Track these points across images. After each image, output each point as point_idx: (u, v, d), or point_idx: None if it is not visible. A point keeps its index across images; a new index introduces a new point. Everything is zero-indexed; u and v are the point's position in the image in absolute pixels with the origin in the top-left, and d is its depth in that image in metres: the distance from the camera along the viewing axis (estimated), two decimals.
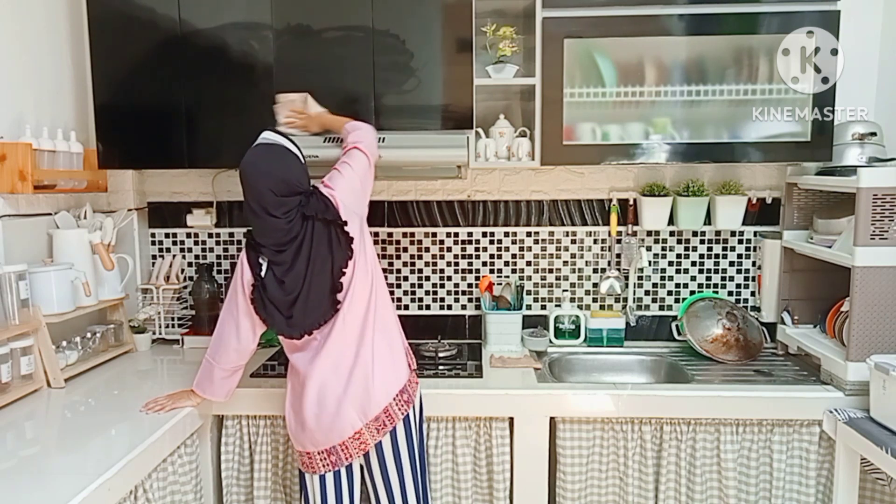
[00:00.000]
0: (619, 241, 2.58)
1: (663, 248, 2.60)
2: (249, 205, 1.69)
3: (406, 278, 2.66)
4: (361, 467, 1.81)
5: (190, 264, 2.68)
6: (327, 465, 1.74)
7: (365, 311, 1.75)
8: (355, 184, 1.83)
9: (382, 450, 1.75)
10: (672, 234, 2.59)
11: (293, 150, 1.76)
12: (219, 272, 2.67)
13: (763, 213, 2.53)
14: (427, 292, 2.67)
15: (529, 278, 2.64)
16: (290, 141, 1.79)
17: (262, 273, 1.71)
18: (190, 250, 2.69)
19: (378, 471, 1.77)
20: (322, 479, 1.76)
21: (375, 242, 2.61)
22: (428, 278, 2.66)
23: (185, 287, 2.63)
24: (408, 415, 1.77)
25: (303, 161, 1.77)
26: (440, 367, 2.27)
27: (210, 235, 2.68)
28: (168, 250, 2.69)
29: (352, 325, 1.74)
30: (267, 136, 1.77)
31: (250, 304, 1.72)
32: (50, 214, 2.20)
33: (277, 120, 2.06)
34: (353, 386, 1.71)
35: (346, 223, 1.73)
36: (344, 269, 1.72)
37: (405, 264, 2.65)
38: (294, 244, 1.70)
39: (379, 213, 2.62)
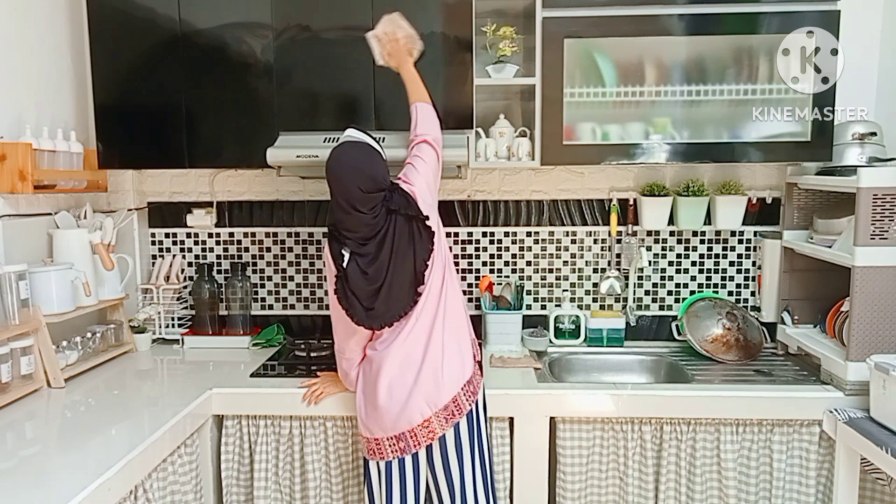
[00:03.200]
0: (619, 241, 2.58)
1: (663, 248, 2.60)
2: (337, 201, 1.73)
3: None
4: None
5: (190, 264, 2.68)
6: (395, 451, 1.77)
7: (437, 304, 1.80)
8: (430, 179, 1.89)
9: (445, 443, 1.78)
10: (672, 233, 2.59)
11: (377, 147, 1.82)
12: (219, 272, 2.67)
13: (763, 213, 2.53)
14: None
15: (529, 278, 2.64)
16: (373, 139, 1.85)
17: (345, 264, 1.74)
18: (190, 250, 2.69)
19: (440, 465, 1.79)
20: (388, 465, 1.79)
21: None
22: None
23: (185, 287, 2.63)
24: (471, 409, 1.80)
25: (385, 157, 1.82)
26: None
27: (210, 235, 2.68)
28: (168, 250, 2.69)
29: (424, 318, 1.79)
30: (352, 134, 1.84)
31: (334, 295, 1.76)
32: (50, 214, 2.20)
33: (374, 30, 2.00)
34: (423, 378, 1.75)
35: (427, 218, 1.78)
36: (427, 262, 1.77)
37: None
38: (378, 237, 1.75)
39: None
